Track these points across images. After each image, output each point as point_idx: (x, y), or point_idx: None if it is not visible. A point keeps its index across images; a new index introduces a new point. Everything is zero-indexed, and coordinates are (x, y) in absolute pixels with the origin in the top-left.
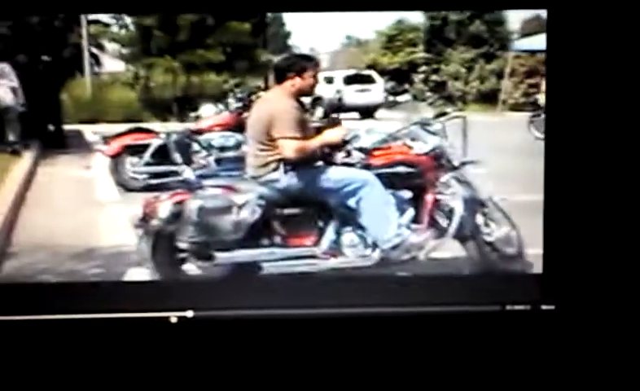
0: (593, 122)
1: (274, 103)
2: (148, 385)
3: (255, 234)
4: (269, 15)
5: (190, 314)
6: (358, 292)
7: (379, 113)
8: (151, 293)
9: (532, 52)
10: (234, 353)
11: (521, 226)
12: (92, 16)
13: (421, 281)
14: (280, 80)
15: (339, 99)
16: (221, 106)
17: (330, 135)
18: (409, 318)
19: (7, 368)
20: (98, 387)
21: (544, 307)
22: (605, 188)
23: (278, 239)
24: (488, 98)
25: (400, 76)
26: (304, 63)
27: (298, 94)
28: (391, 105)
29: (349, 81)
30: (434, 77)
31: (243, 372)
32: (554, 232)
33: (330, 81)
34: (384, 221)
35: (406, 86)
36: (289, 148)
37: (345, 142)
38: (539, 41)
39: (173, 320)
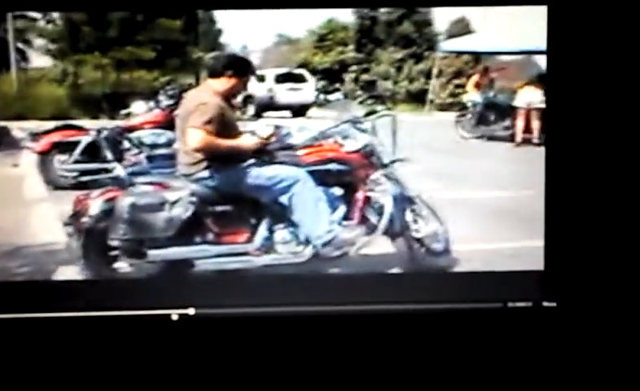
0: (593, 120)
1: (198, 99)
2: (150, 383)
3: (187, 231)
4: (201, 12)
5: (191, 311)
6: (361, 289)
7: (311, 111)
8: (151, 290)
9: (459, 53)
10: (236, 351)
11: (448, 223)
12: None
13: (422, 278)
14: (212, 77)
15: (271, 98)
16: (152, 103)
17: (245, 141)
18: (411, 315)
19: (7, 367)
20: (99, 385)
21: (545, 304)
22: (606, 185)
23: (210, 237)
24: (417, 98)
25: (331, 75)
26: (238, 66)
27: (226, 94)
28: (322, 104)
29: (281, 79)
30: (364, 77)
31: (245, 370)
32: (555, 229)
33: (262, 79)
34: (316, 217)
35: (337, 85)
36: (194, 139)
37: (263, 149)
38: (465, 43)
39: (175, 318)
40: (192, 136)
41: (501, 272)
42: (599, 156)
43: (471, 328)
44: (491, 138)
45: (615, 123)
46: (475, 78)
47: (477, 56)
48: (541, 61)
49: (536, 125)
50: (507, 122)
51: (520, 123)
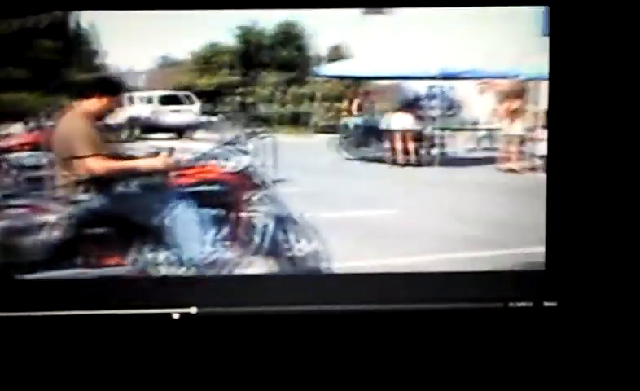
0: (595, 121)
1: (70, 123)
2: (151, 382)
3: (65, 254)
4: (81, 32)
5: (193, 310)
6: (363, 288)
7: (196, 133)
8: (153, 289)
9: (340, 78)
10: (238, 350)
11: (329, 242)
12: None
13: (423, 278)
14: (82, 98)
15: (156, 119)
16: (29, 124)
17: (124, 163)
18: (411, 315)
19: (8, 365)
20: (100, 384)
21: (546, 304)
22: (607, 186)
23: (90, 259)
24: (299, 121)
25: (215, 98)
26: (108, 85)
27: (98, 115)
28: (205, 125)
29: (165, 101)
30: (247, 99)
31: (247, 369)
32: (556, 230)
33: (149, 100)
34: (198, 238)
35: (221, 107)
36: (89, 166)
37: (146, 171)
38: (344, 67)
39: (175, 316)
40: (87, 165)
41: (501, 272)
42: (601, 156)
43: (472, 328)
44: (371, 160)
45: (617, 123)
46: (356, 101)
47: (357, 80)
48: (412, 86)
49: (411, 147)
50: (386, 144)
51: (398, 145)
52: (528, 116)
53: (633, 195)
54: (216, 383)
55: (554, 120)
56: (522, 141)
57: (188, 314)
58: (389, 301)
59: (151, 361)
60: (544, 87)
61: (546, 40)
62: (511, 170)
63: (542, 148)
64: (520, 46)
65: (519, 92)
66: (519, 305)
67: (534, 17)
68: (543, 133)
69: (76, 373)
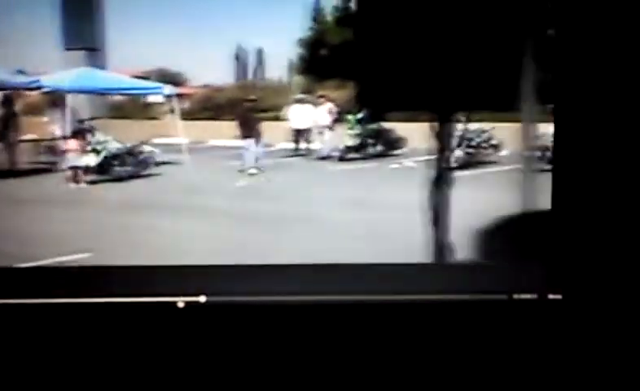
0: (600, 112)
1: None
2: (160, 371)
3: None
4: None
5: (202, 298)
6: (368, 280)
7: None
8: (162, 278)
9: None
10: (246, 339)
11: None
12: None
13: (429, 269)
14: None
15: None
16: None
17: None
18: (417, 306)
19: (12, 353)
20: (107, 374)
21: (551, 296)
22: (613, 177)
23: None
24: None
25: None
26: None
27: None
28: None
29: None
30: None
31: (254, 358)
32: (561, 222)
33: None
34: None
35: None
36: None
37: None
38: None
39: (180, 305)
40: None
41: (506, 264)
42: (607, 147)
43: (477, 320)
44: None
45: (622, 114)
46: None
47: None
48: None
49: None
50: None
51: None
52: None
53: (638, 187)
54: (225, 371)
55: (562, 110)
56: None
57: (197, 302)
58: (395, 293)
59: (160, 350)
60: None
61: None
62: None
63: None
64: None
65: None
66: (524, 296)
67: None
68: None
69: (84, 363)
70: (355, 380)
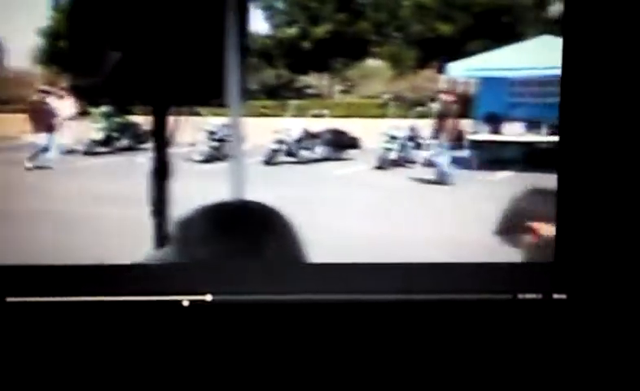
0: (607, 108)
1: None
2: (165, 371)
3: None
4: None
5: (208, 297)
6: (373, 279)
7: None
8: (168, 276)
9: None
10: (254, 339)
11: None
12: None
13: (431, 268)
14: None
15: None
16: None
17: None
18: (419, 305)
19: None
20: (111, 373)
21: (555, 296)
22: (618, 176)
23: None
24: None
25: None
26: None
27: None
28: None
29: None
30: None
31: (262, 358)
32: (566, 220)
33: None
34: None
35: None
36: None
37: None
38: None
39: (186, 304)
40: None
41: (510, 263)
42: (613, 145)
43: (480, 319)
44: None
45: (629, 112)
46: None
47: None
48: None
49: None
50: None
51: None
52: None
53: None
54: (231, 371)
55: (568, 106)
56: None
57: (203, 301)
58: (398, 292)
59: (165, 349)
60: None
61: None
62: None
63: None
64: None
65: None
66: (528, 296)
67: None
68: None
69: (87, 362)
70: (361, 378)
